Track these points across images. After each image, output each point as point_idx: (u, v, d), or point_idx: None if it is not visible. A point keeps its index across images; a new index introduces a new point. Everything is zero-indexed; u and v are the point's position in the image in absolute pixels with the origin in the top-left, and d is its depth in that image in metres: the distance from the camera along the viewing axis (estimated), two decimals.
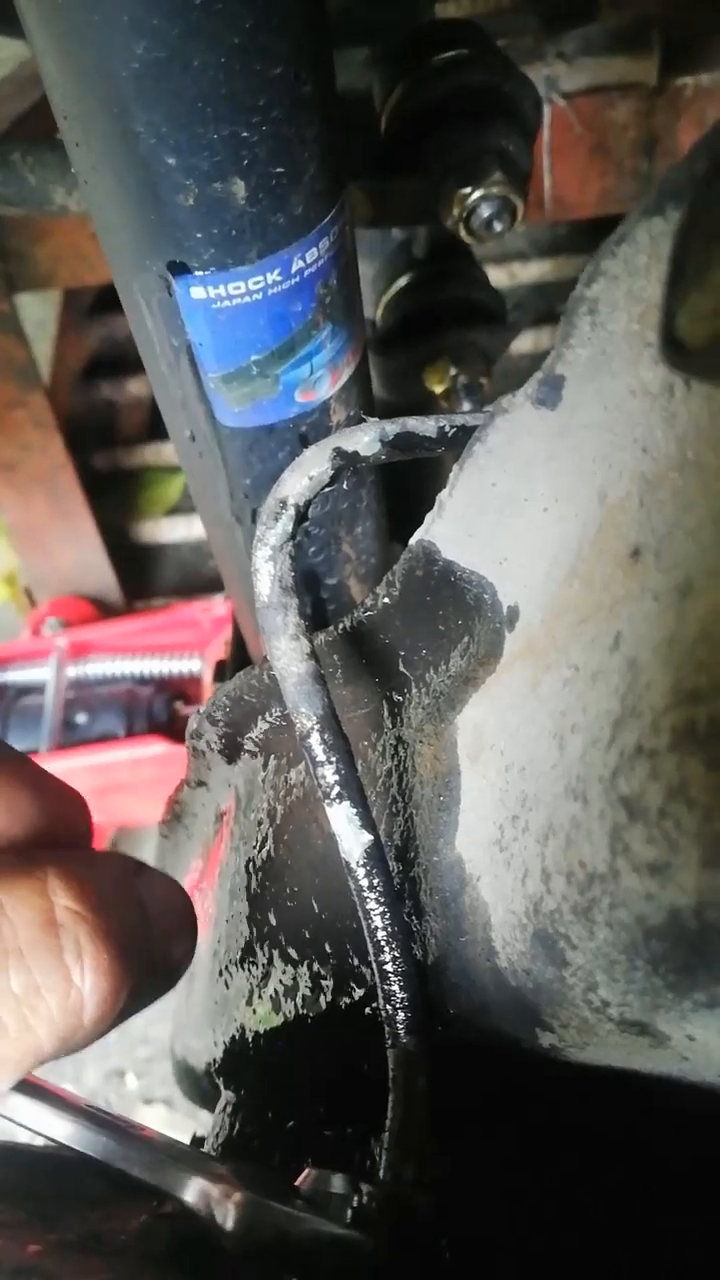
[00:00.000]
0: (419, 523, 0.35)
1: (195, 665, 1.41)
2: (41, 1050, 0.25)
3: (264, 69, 0.39)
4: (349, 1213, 0.28)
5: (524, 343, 1.75)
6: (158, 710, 1.38)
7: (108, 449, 1.82)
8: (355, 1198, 0.28)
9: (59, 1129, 0.29)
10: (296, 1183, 0.29)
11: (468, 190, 0.59)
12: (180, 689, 1.42)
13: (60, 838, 0.29)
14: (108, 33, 0.37)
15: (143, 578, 1.74)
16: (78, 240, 1.30)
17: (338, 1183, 0.28)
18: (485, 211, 0.59)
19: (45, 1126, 0.29)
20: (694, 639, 0.19)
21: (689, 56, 1.13)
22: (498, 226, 0.60)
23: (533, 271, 1.88)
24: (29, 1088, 0.28)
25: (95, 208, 0.46)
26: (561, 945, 0.26)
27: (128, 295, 0.49)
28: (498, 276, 1.87)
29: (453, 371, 0.74)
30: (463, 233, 0.60)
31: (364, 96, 0.79)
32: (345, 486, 0.57)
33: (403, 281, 0.76)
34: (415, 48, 0.64)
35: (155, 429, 1.89)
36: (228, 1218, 0.27)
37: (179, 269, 0.44)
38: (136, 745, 1.32)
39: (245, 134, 0.40)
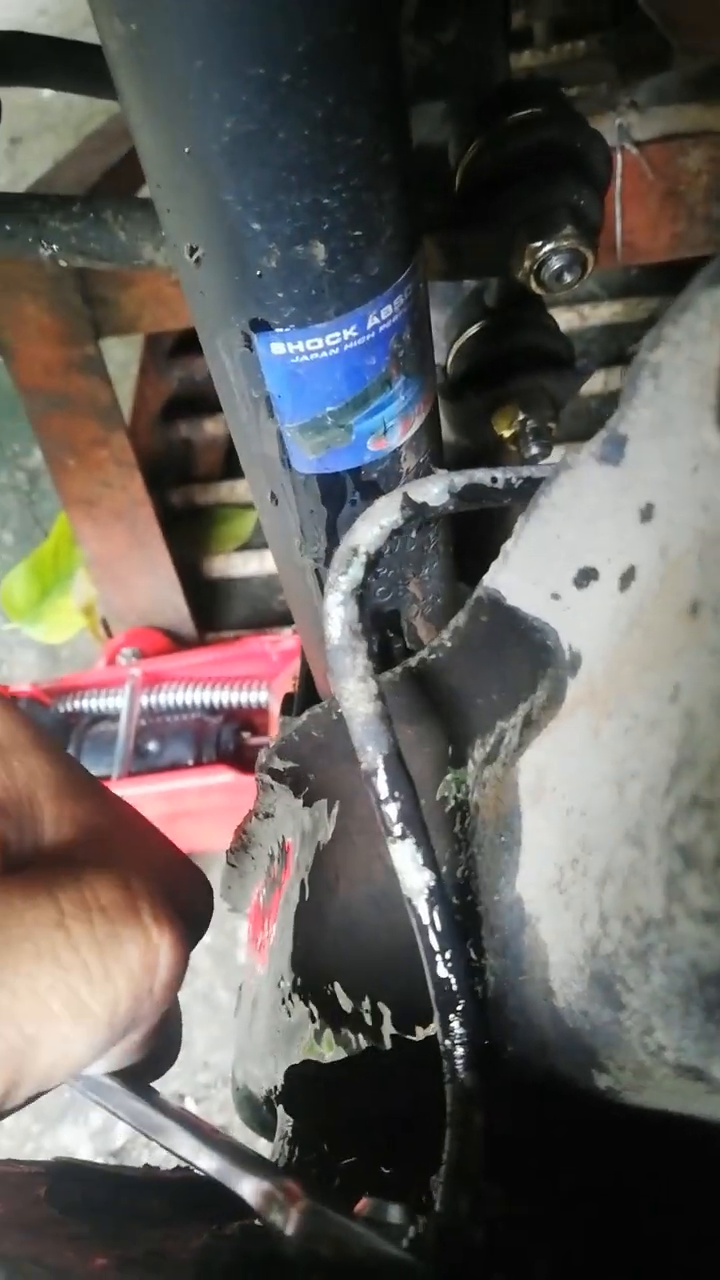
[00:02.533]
0: (485, 563, 0.37)
1: (263, 697, 1.44)
2: (118, 1004, 0.26)
3: (345, 140, 0.41)
4: (405, 1241, 0.29)
5: (594, 383, 1.76)
6: (226, 740, 1.40)
7: (184, 486, 1.87)
8: (411, 1228, 0.29)
9: (139, 1116, 0.30)
10: (355, 1209, 0.30)
11: (539, 244, 0.60)
12: (248, 719, 1.45)
13: None
14: (200, 108, 0.40)
15: (214, 611, 1.78)
16: (160, 288, 1.36)
17: (395, 1212, 0.29)
18: (555, 264, 0.61)
19: (129, 1113, 0.31)
20: None
21: None
22: (568, 278, 0.61)
23: (603, 313, 1.89)
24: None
25: (183, 267, 0.49)
26: (618, 988, 0.27)
27: (211, 349, 0.51)
28: (568, 318, 1.89)
29: (521, 416, 0.75)
30: (533, 285, 0.62)
31: (441, 150, 0.81)
32: (414, 531, 0.59)
33: (474, 329, 0.78)
34: (490, 106, 0.66)
35: (229, 467, 1.94)
36: (289, 1222, 0.28)
37: (260, 326, 0.46)
38: (205, 773, 1.35)
39: (326, 201, 0.42)
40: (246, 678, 1.45)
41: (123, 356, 1.89)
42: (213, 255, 0.45)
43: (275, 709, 1.38)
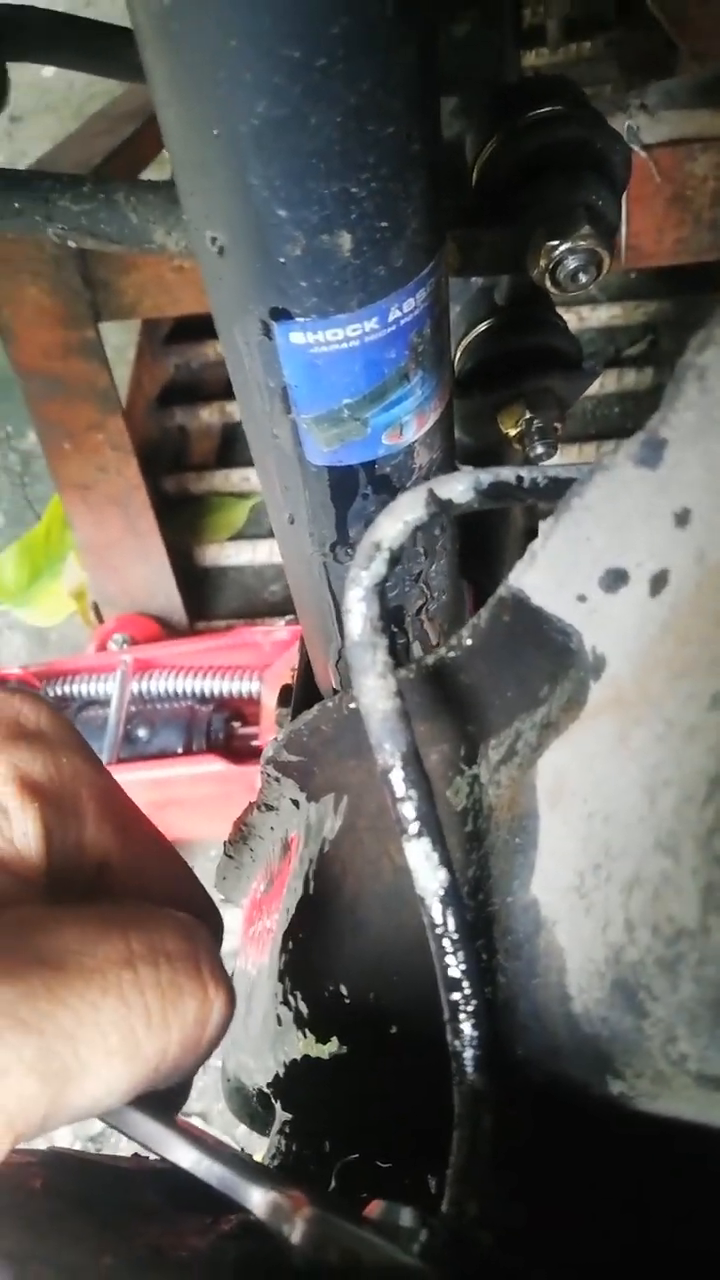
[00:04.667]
0: (486, 561, 0.36)
1: (254, 687, 1.43)
2: (168, 1051, 0.27)
3: (377, 128, 0.40)
4: (416, 1247, 0.29)
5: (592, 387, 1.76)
6: (216, 729, 1.40)
7: (178, 473, 1.86)
8: (423, 1232, 0.29)
9: (137, 1128, 0.30)
10: (365, 1212, 0.30)
11: (555, 243, 0.60)
12: (238, 709, 1.45)
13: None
14: (231, 90, 0.39)
15: (206, 599, 1.77)
16: (162, 273, 1.34)
17: (406, 1215, 0.29)
18: (572, 264, 0.60)
19: (126, 1125, 0.30)
20: None
21: None
22: (583, 279, 0.61)
23: (601, 316, 1.89)
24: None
25: (202, 254, 0.48)
26: (642, 996, 0.27)
27: (228, 337, 0.51)
28: (566, 320, 1.88)
29: (527, 416, 0.75)
30: (548, 284, 0.62)
31: (452, 145, 0.81)
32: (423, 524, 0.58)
33: (483, 327, 0.77)
34: (509, 101, 0.65)
35: (225, 455, 1.93)
36: (295, 1231, 0.27)
37: (281, 315, 0.46)
38: (194, 762, 1.35)
39: (355, 190, 0.41)
40: (238, 667, 1.45)
41: (118, 341, 1.87)
42: (235, 241, 0.45)
43: (267, 699, 1.38)
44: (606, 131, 0.62)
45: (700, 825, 0.23)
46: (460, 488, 0.36)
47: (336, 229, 0.42)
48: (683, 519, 0.28)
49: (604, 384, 1.79)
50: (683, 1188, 0.34)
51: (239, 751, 1.40)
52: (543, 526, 0.33)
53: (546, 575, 0.33)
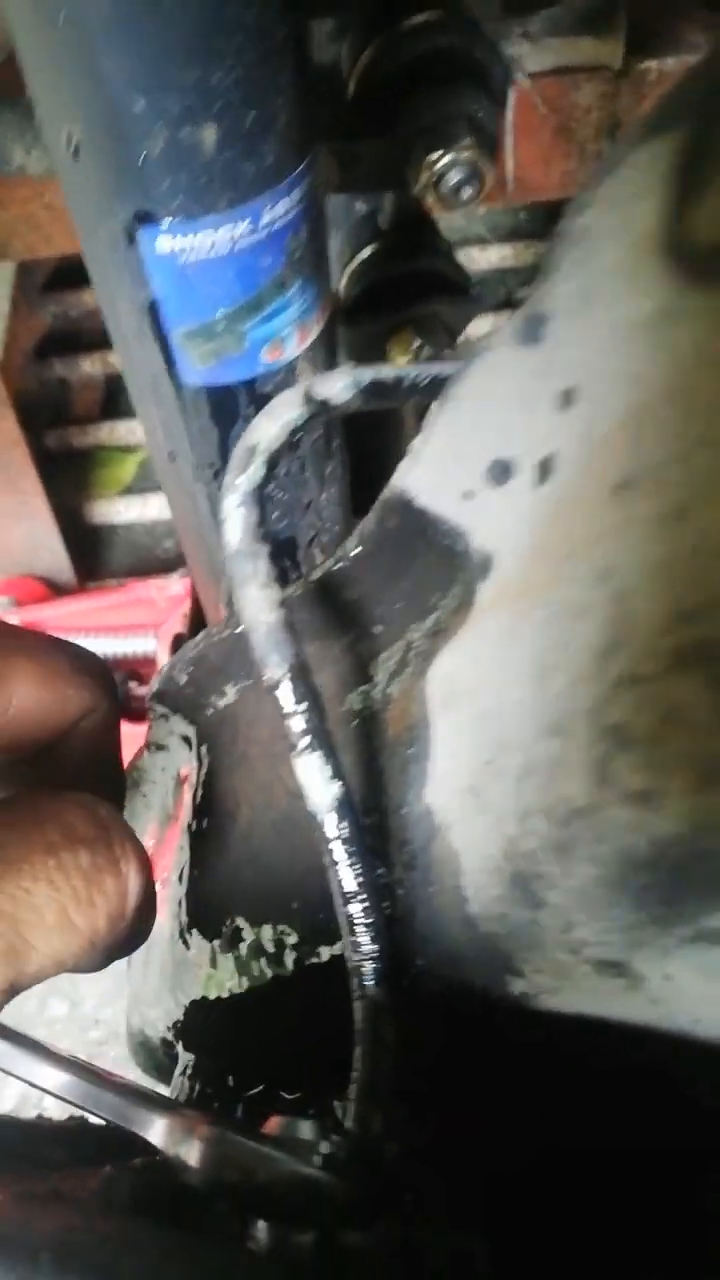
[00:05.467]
0: (379, 491, 0.35)
1: (150, 645, 1.40)
2: (97, 924, 0.29)
3: (237, 11, 0.38)
4: (317, 1159, 0.28)
5: (483, 326, 1.76)
6: None
7: (61, 428, 1.79)
8: (323, 1144, 0.28)
9: (30, 1070, 0.29)
10: (264, 1129, 0.29)
11: (437, 155, 0.58)
12: (134, 669, 1.41)
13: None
14: None
15: (96, 558, 1.71)
16: (32, 210, 1.27)
17: (306, 1128, 0.28)
18: (455, 177, 0.59)
19: (17, 1067, 0.29)
20: (687, 561, 0.19)
21: (653, 40, 1.14)
22: (466, 192, 0.59)
23: (491, 257, 1.88)
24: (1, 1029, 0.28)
25: (60, 161, 0.45)
26: (537, 886, 0.26)
27: (91, 250, 0.48)
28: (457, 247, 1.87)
29: (416, 343, 0.74)
30: (430, 199, 0.60)
31: (330, 68, 0.78)
32: (312, 448, 0.57)
33: (367, 252, 0.75)
34: (386, 11, 0.63)
35: (109, 408, 1.86)
36: (192, 1153, 0.26)
37: (145, 219, 0.43)
38: None
39: (218, 76, 0.39)
40: (132, 626, 1.41)
41: None
42: (93, 141, 0.42)
43: (164, 656, 1.35)
44: (484, 42, 0.61)
45: (589, 700, 0.22)
46: (339, 386, 0.34)
47: (200, 121, 0.39)
48: (567, 399, 0.27)
49: (497, 324, 1.79)
50: (585, 1088, 0.34)
51: (136, 713, 1.37)
52: (426, 422, 0.32)
53: (431, 472, 0.32)
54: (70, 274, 1.83)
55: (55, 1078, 0.29)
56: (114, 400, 1.88)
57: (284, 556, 0.61)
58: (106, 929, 0.30)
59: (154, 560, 1.75)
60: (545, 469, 0.29)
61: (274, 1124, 0.28)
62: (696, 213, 0.19)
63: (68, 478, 1.74)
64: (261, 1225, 0.26)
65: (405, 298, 0.74)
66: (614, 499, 0.24)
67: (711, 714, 0.19)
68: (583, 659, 0.24)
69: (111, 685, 0.36)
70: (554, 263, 0.26)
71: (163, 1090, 0.48)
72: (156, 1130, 0.28)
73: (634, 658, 0.21)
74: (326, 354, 0.54)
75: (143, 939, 0.34)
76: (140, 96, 0.39)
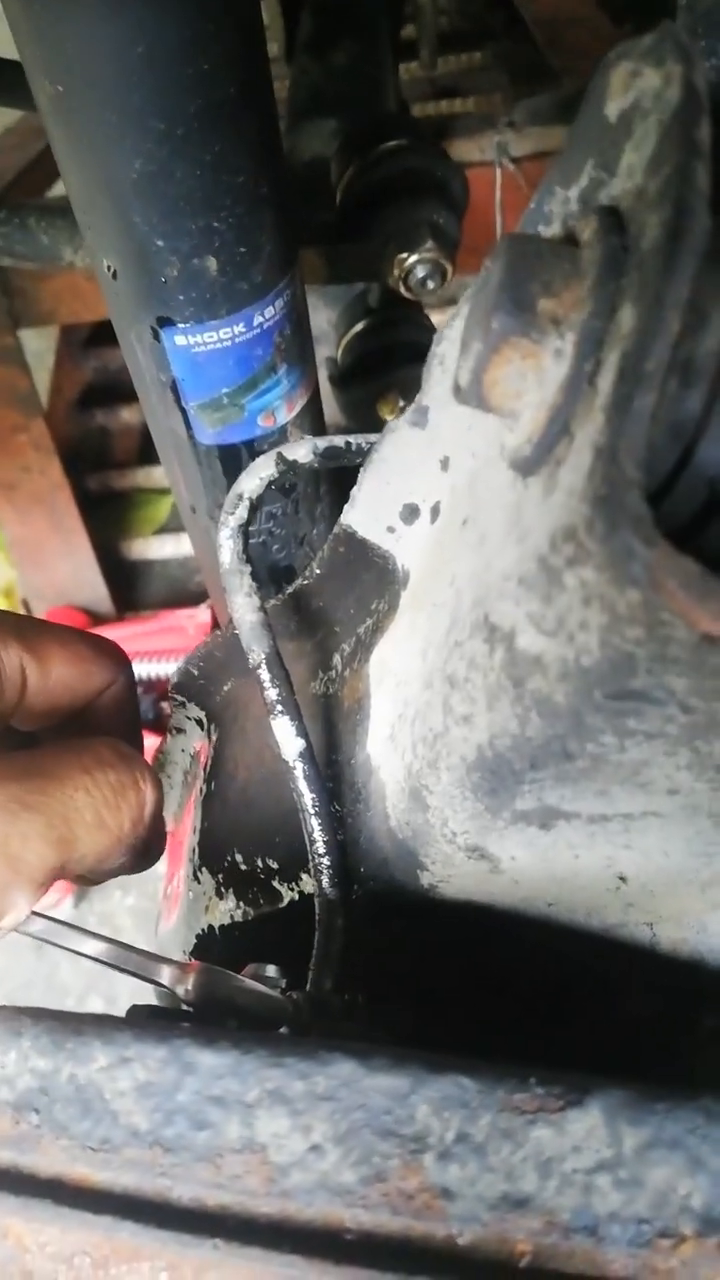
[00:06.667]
0: None
1: None
2: (124, 825, 0.37)
3: (229, 178, 0.51)
4: (277, 991, 0.40)
5: None
6: (145, 710, 1.49)
7: (101, 471, 1.94)
8: (283, 980, 0.40)
9: (72, 942, 0.41)
10: (239, 972, 0.41)
11: (405, 255, 0.72)
12: (166, 691, 1.54)
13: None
14: (113, 152, 0.50)
15: (132, 591, 1.86)
16: (76, 282, 1.43)
17: (272, 970, 0.40)
18: (420, 273, 0.72)
19: (62, 939, 0.41)
20: (485, 570, 0.32)
21: None
22: (431, 285, 0.73)
23: None
24: (44, 916, 0.40)
25: (101, 276, 0.59)
26: (424, 794, 0.38)
27: (126, 341, 0.62)
28: (441, 319, 2.01)
29: (401, 404, 0.87)
30: (402, 290, 0.74)
31: (328, 162, 0.92)
32: (304, 493, 0.70)
33: (359, 327, 0.89)
34: (365, 136, 0.77)
35: (145, 454, 2.01)
36: (189, 985, 0.38)
37: (166, 323, 0.57)
38: None
39: (216, 224, 0.52)
40: (165, 651, 1.54)
41: (37, 346, 1.95)
42: (126, 268, 0.56)
43: None
44: (446, 162, 0.74)
45: (440, 661, 0.35)
46: (303, 450, 0.47)
47: (205, 255, 0.53)
48: (445, 464, 0.40)
49: None
50: (485, 958, 0.46)
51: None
52: (359, 477, 0.45)
53: (364, 512, 0.45)
54: (108, 332, 1.98)
55: (94, 945, 0.41)
56: (150, 446, 2.03)
57: (282, 581, 0.74)
58: (130, 830, 0.39)
59: (186, 593, 1.89)
60: (435, 511, 0.41)
61: (248, 969, 0.41)
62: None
63: (108, 517, 1.89)
64: (234, 1024, 0.38)
65: (391, 364, 0.87)
66: (459, 531, 0.36)
67: (492, 667, 0.31)
68: (439, 635, 0.36)
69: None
70: (429, 372, 0.39)
71: None
72: (164, 974, 0.40)
73: (461, 630, 0.33)
74: (313, 418, 0.68)
75: (157, 852, 0.45)
76: (160, 238, 0.53)
